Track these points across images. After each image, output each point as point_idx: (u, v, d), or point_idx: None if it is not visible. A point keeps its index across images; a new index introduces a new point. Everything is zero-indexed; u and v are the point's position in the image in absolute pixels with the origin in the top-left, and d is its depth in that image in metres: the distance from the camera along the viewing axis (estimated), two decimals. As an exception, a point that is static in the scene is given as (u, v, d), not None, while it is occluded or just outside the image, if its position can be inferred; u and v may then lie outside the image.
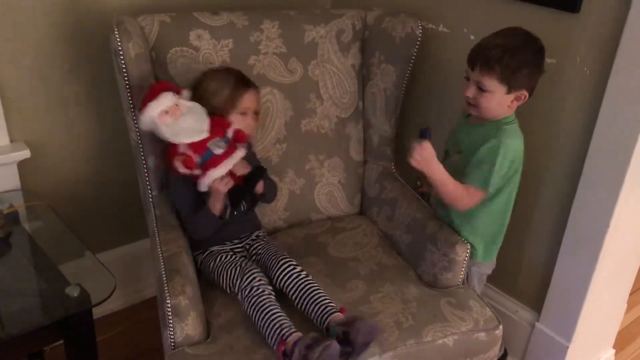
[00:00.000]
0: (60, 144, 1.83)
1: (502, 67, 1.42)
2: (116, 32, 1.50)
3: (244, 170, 1.53)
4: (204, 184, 1.48)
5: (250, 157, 1.66)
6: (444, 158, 1.64)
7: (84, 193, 1.92)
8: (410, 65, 1.84)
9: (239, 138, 1.54)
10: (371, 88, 1.91)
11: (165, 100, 1.46)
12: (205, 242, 1.62)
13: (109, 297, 1.38)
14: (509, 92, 1.46)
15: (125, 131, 1.65)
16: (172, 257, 1.46)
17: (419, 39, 1.80)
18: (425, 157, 1.46)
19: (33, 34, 1.67)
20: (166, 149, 1.52)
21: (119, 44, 1.50)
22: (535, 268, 1.82)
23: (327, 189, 1.90)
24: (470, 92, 1.49)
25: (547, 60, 1.61)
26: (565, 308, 1.75)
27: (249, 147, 1.65)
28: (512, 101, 1.48)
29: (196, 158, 1.46)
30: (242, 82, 1.60)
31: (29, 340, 1.35)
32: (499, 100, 1.47)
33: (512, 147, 1.50)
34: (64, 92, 1.78)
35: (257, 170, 1.57)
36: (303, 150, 1.85)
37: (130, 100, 1.56)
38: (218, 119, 1.53)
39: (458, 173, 1.53)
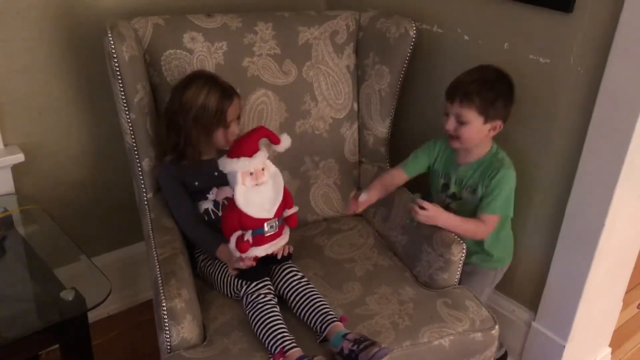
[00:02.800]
0: (55, 147, 1.82)
1: (480, 99, 1.53)
2: (109, 35, 1.49)
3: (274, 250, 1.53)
4: (236, 252, 1.45)
5: None
6: (451, 197, 1.71)
7: (78, 196, 1.92)
8: (405, 65, 1.84)
9: (292, 222, 1.56)
10: (366, 89, 1.91)
11: (257, 162, 1.45)
12: None
13: (104, 300, 1.37)
14: (485, 122, 1.56)
15: (119, 134, 1.65)
16: (168, 260, 1.46)
17: (413, 39, 1.81)
18: (430, 215, 1.57)
19: (26, 38, 1.67)
20: (229, 203, 1.50)
21: (113, 46, 1.50)
22: (531, 267, 1.82)
23: (323, 190, 1.90)
24: (451, 125, 1.58)
25: (541, 60, 1.63)
26: (561, 307, 1.76)
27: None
28: (489, 130, 1.59)
29: (249, 235, 1.44)
30: (225, 94, 1.57)
31: (24, 345, 1.34)
32: (477, 130, 1.57)
33: (513, 175, 1.62)
34: (58, 95, 1.78)
35: (284, 259, 1.56)
36: (298, 152, 1.85)
37: (125, 103, 1.55)
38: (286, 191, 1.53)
39: (470, 209, 1.65)
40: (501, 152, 1.64)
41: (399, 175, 1.75)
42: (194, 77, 1.59)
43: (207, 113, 1.54)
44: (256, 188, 1.46)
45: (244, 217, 1.44)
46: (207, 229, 1.57)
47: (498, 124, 1.58)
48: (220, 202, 1.62)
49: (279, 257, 1.54)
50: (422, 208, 1.55)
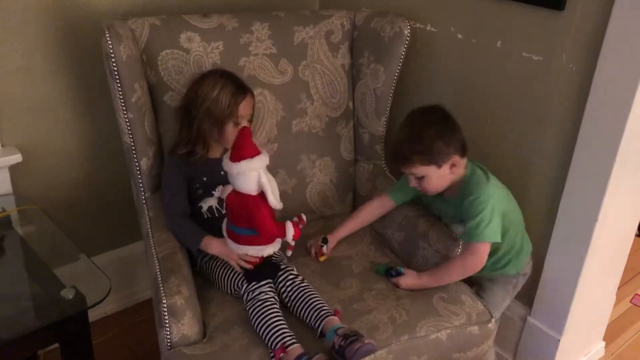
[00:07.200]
0: (52, 147, 1.83)
1: (417, 154, 1.53)
2: (107, 35, 1.50)
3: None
4: (292, 241, 1.49)
5: None
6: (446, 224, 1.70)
7: (77, 196, 1.92)
8: (400, 64, 1.86)
9: (296, 235, 1.51)
10: (361, 88, 1.92)
11: (267, 157, 1.44)
12: None
13: (104, 298, 1.38)
14: (439, 167, 1.54)
15: (117, 133, 1.65)
16: (167, 258, 1.47)
17: (408, 38, 1.82)
18: (408, 286, 1.59)
19: (24, 38, 1.67)
20: (252, 201, 1.45)
21: (110, 47, 1.50)
22: (525, 263, 1.84)
23: (319, 188, 1.91)
24: (413, 183, 1.60)
25: (534, 57, 1.65)
26: (556, 302, 1.78)
27: None
28: (450, 169, 1.56)
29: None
30: (239, 90, 1.60)
31: (24, 343, 1.35)
32: (438, 176, 1.56)
33: (492, 192, 1.55)
34: (55, 95, 1.79)
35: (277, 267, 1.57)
36: (294, 150, 1.86)
37: (122, 102, 1.56)
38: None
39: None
40: (477, 172, 1.59)
41: (387, 203, 1.77)
42: (211, 72, 1.63)
43: (220, 106, 1.57)
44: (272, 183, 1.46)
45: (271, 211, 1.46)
46: (192, 223, 1.59)
47: (453, 159, 1.54)
48: (225, 200, 1.64)
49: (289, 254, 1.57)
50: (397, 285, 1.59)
